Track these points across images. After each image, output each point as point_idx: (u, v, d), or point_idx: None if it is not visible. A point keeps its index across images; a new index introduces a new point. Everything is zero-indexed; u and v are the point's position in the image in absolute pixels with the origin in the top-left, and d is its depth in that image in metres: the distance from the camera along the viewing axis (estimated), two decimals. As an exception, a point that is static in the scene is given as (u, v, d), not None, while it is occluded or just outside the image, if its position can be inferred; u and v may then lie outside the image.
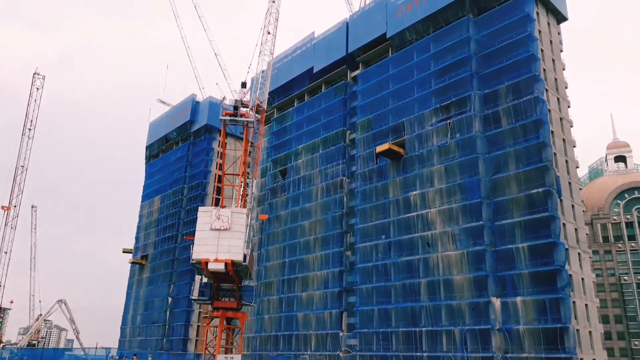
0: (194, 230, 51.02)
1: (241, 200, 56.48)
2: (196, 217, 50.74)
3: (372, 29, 76.42)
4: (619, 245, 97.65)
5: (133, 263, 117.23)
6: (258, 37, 68.27)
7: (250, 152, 64.65)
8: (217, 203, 62.65)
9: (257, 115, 64.72)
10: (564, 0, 68.79)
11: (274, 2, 67.67)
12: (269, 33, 67.00)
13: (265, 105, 66.63)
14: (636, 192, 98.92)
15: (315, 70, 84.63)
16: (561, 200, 55.12)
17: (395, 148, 65.72)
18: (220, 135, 67.63)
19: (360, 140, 72.99)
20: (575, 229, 56.91)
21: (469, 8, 65.13)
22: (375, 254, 65.30)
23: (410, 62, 69.35)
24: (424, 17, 69.00)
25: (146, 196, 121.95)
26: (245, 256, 47.56)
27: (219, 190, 67.53)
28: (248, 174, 62.96)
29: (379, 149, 66.51)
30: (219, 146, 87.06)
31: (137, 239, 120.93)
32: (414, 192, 62.82)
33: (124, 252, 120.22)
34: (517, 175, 54.94)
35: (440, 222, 58.98)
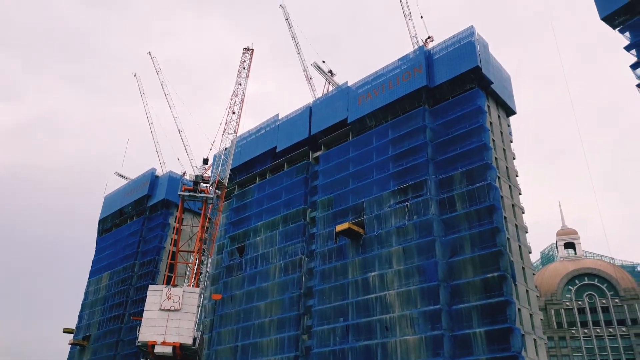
0: (143, 310, 48.14)
1: (194, 278, 54.59)
2: (146, 296, 48.11)
3: (334, 114, 79.32)
4: (573, 331, 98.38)
5: (73, 344, 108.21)
6: (223, 116, 70.74)
7: (207, 228, 65.52)
8: (169, 281, 60.81)
9: (217, 191, 66.73)
10: (512, 96, 73.38)
11: (240, 84, 71.46)
12: (233, 113, 70.27)
13: (226, 182, 68.10)
14: (586, 278, 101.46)
15: (278, 150, 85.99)
16: (516, 285, 55.58)
17: (355, 228, 66.03)
18: (177, 211, 65.74)
19: (320, 219, 73.06)
20: (530, 315, 56.94)
21: (425, 99, 68.50)
22: (332, 338, 62.62)
23: (370, 146, 71.62)
24: (383, 105, 72.11)
25: (94, 272, 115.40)
26: (195, 339, 45.02)
27: (172, 268, 65.13)
28: (204, 250, 62.92)
29: (339, 228, 66.69)
30: (175, 222, 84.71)
31: (80, 317, 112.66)
32: (373, 273, 62.47)
33: (64, 332, 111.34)
34: (473, 259, 55.78)
35: (399, 304, 58.24)
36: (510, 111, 72.70)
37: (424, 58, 69.52)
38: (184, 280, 64.66)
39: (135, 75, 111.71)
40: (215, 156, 76.63)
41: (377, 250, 63.62)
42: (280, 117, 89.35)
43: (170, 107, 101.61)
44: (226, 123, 68.64)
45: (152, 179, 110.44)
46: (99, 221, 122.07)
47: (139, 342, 43.59)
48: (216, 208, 65.72)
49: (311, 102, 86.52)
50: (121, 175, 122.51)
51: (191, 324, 44.37)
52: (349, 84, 79.80)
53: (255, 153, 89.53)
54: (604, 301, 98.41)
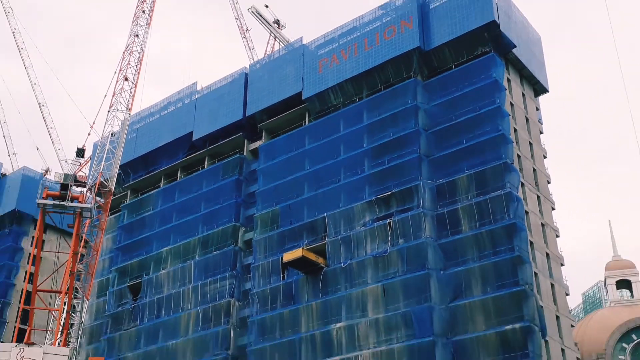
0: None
1: (62, 333, 55.40)
2: (-14, 359, 47.67)
3: (282, 86, 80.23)
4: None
5: None
6: (110, 84, 69.57)
7: (83, 256, 64.80)
8: (21, 337, 60.54)
9: (98, 199, 65.76)
10: (544, 66, 74.79)
11: (137, 36, 70.74)
12: (126, 79, 68.94)
13: (113, 185, 67.31)
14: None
15: (196, 137, 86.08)
16: (546, 341, 56.64)
17: (312, 256, 66.33)
18: (35, 229, 66.51)
19: (259, 243, 73.16)
20: (568, 385, 58.49)
21: (417, 67, 69.69)
22: None
23: (336, 134, 72.63)
24: (355, 74, 73.38)
25: None
26: None
27: (26, 317, 64.18)
28: (76, 290, 61.61)
29: (287, 256, 66.97)
30: (32, 245, 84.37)
31: None
32: (338, 325, 62.62)
33: None
34: (485, 304, 57.14)
35: (376, 372, 58.25)
36: (540, 88, 74.43)
37: (417, 7, 70.76)
38: (45, 336, 64.11)
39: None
40: (96, 145, 75.79)
41: (345, 290, 63.88)
42: (199, 88, 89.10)
43: (26, 67, 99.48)
44: (114, 95, 67.69)
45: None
46: None
47: None
48: (96, 225, 64.72)
49: (247, 67, 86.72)
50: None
51: (55, 404, 43.83)
52: (305, 41, 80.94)
53: (160, 141, 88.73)
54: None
